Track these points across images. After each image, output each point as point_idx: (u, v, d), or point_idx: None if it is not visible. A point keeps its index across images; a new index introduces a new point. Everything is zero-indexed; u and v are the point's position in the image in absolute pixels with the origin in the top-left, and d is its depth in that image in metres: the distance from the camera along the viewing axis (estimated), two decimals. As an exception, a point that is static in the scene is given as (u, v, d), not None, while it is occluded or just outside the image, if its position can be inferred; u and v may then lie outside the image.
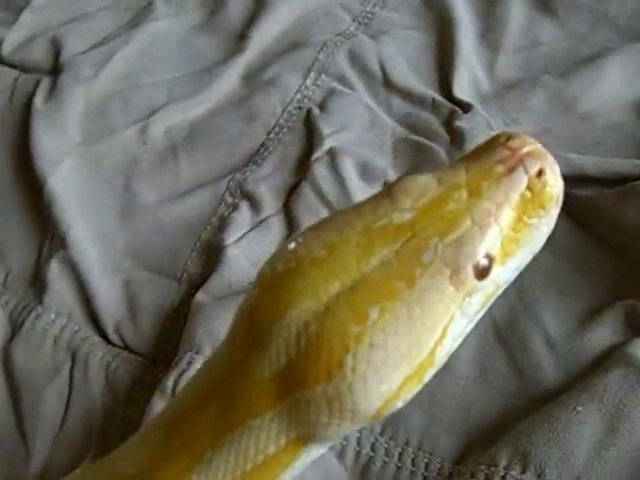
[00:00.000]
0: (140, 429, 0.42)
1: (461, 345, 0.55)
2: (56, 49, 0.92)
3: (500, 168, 0.35)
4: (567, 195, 0.64)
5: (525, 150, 0.35)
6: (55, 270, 0.72)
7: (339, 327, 0.32)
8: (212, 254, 0.72)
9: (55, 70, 0.90)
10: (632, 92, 0.81)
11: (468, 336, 0.56)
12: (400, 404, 0.35)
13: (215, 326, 0.62)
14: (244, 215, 0.73)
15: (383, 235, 0.34)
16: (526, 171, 0.35)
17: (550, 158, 0.36)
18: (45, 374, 0.67)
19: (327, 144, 0.76)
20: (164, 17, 0.95)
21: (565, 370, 0.61)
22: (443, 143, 0.76)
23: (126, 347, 0.69)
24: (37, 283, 0.73)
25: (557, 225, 0.62)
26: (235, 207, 0.75)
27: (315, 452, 0.37)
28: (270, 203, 0.74)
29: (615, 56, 0.83)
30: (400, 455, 0.59)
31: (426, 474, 0.58)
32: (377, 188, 0.73)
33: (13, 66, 0.93)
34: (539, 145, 0.36)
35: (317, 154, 0.76)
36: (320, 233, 0.35)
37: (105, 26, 0.96)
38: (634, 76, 0.82)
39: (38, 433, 0.65)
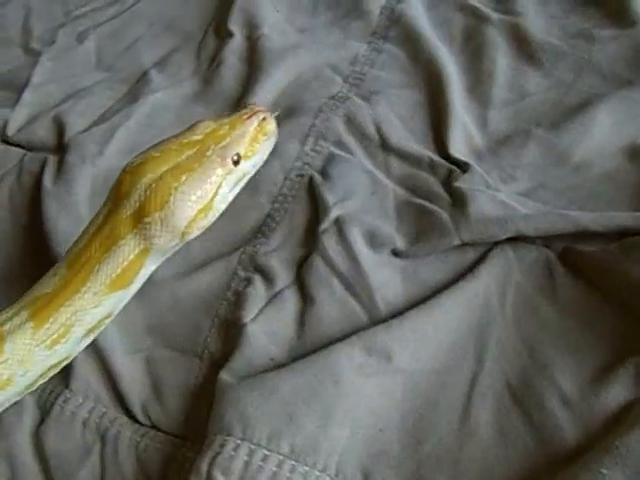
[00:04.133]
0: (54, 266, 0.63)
1: (478, 407, 0.61)
2: (59, 127, 0.94)
3: (245, 116, 0.66)
4: (571, 251, 0.68)
5: (257, 109, 0.68)
6: (79, 353, 0.73)
7: (166, 184, 0.60)
8: (231, 330, 0.74)
9: (60, 148, 0.92)
10: (621, 139, 0.83)
11: (484, 397, 0.62)
12: (197, 230, 0.63)
13: (243, 407, 0.65)
14: (258, 289, 0.76)
15: (187, 145, 0.63)
16: (257, 118, 0.67)
17: (269, 114, 0.69)
18: (77, 457, 0.70)
19: (333, 214, 0.79)
20: (161, 89, 0.97)
21: (584, 429, 0.63)
22: (445, 205, 0.78)
23: (154, 426, 0.71)
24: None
25: (562, 282, 0.65)
26: (249, 281, 0.77)
27: (155, 261, 0.65)
28: (282, 276, 0.77)
29: (603, 104, 0.85)
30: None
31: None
32: (385, 256, 0.76)
33: (19, 146, 0.95)
34: (264, 108, 0.69)
35: (324, 225, 0.78)
36: (156, 147, 0.64)
37: (103, 101, 0.98)
38: (622, 122, 0.84)
39: (75, 516, 0.67)
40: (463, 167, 0.82)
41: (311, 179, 0.84)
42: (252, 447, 0.63)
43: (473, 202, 0.76)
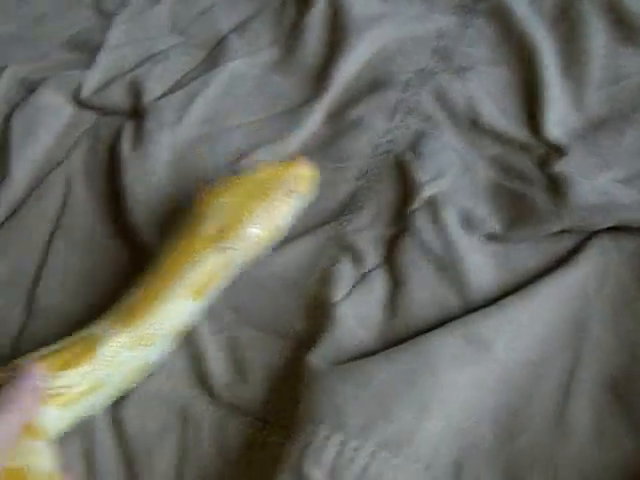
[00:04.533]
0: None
1: (574, 404, 0.63)
2: (136, 91, 0.91)
3: (295, 163, 0.73)
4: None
5: (304, 159, 0.75)
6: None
7: (244, 209, 0.69)
8: (318, 310, 0.72)
9: (136, 113, 0.89)
10: None
11: (581, 393, 0.63)
12: (264, 249, 0.71)
13: (336, 396, 0.63)
14: (347, 269, 0.74)
15: (252, 181, 0.71)
16: (304, 165, 0.74)
17: (312, 164, 0.75)
18: (156, 435, 0.68)
19: (425, 193, 0.76)
20: (239, 57, 0.94)
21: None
22: (542, 190, 0.75)
23: (236, 407, 0.69)
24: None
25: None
26: (336, 260, 0.75)
27: (229, 274, 0.70)
28: (371, 256, 0.74)
29: None
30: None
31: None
32: (479, 239, 0.74)
33: (93, 109, 0.92)
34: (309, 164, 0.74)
35: (416, 204, 0.76)
36: (228, 181, 0.72)
37: (180, 66, 0.96)
38: None
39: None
40: (559, 150, 0.79)
41: (399, 156, 0.82)
42: (344, 437, 0.61)
43: (573, 188, 0.73)
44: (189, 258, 0.67)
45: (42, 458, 0.59)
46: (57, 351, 0.64)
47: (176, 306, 0.66)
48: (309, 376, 0.66)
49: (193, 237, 0.68)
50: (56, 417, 0.63)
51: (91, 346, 0.64)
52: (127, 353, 0.65)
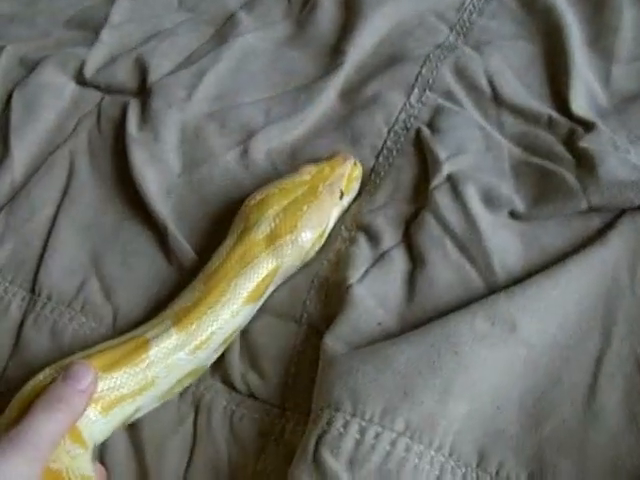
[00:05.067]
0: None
1: (605, 388, 0.60)
2: (141, 69, 0.88)
3: (341, 161, 0.73)
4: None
5: (348, 156, 0.74)
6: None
7: (293, 213, 0.69)
8: (333, 292, 0.69)
9: (142, 92, 0.86)
10: None
11: (612, 378, 0.60)
12: (313, 252, 0.70)
13: (354, 380, 0.59)
14: (363, 249, 0.70)
15: (300, 184, 0.71)
16: (350, 162, 0.74)
17: (357, 160, 0.75)
18: (169, 426, 0.65)
19: (445, 170, 0.73)
20: (250, 31, 0.91)
21: None
22: (569, 167, 0.72)
23: (251, 395, 0.66)
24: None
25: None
26: (352, 240, 0.71)
27: (279, 279, 0.69)
28: (389, 235, 0.71)
29: None
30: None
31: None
32: (502, 217, 0.70)
33: (97, 87, 0.89)
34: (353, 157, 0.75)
35: (436, 181, 0.72)
36: (273, 185, 0.72)
37: (188, 42, 0.92)
38: None
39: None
40: (586, 126, 0.75)
41: (418, 132, 0.78)
42: (363, 424, 0.58)
43: (602, 164, 0.70)
44: (243, 264, 0.66)
45: (81, 462, 0.56)
46: (103, 351, 0.62)
47: (231, 310, 0.65)
48: (325, 360, 0.62)
49: (246, 243, 0.67)
50: (96, 421, 0.60)
51: (142, 347, 0.62)
52: (182, 356, 0.63)
